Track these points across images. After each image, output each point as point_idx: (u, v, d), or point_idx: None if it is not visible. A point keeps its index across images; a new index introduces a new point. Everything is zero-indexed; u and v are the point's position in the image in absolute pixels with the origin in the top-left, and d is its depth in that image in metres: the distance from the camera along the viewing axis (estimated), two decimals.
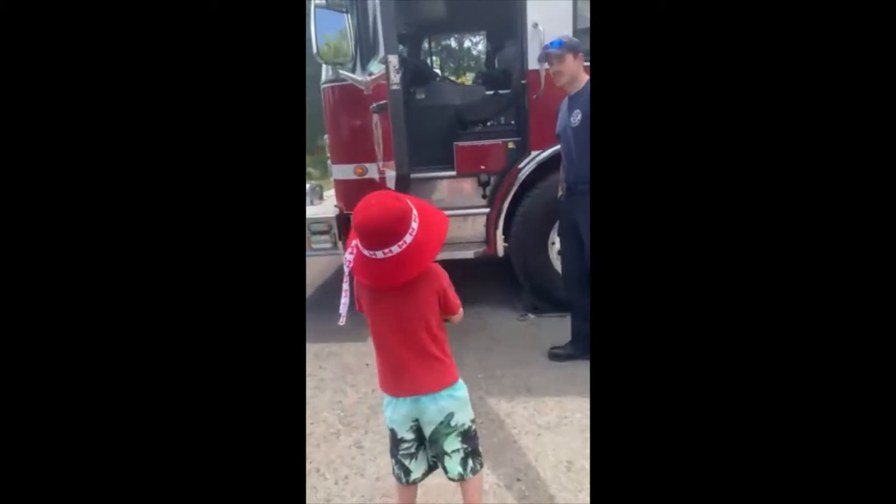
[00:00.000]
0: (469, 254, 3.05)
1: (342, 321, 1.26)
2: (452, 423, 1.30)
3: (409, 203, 1.19)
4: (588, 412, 2.09)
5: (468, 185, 3.11)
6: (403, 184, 2.49)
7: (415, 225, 1.16)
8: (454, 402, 1.29)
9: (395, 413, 1.31)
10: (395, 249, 1.14)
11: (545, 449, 1.90)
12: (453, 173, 3.08)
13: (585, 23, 2.83)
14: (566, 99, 2.41)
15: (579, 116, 2.28)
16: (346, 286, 1.26)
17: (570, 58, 2.27)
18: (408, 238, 1.15)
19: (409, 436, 1.33)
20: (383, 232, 1.13)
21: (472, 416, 1.35)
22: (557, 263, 3.02)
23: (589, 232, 2.34)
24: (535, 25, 2.78)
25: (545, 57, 2.32)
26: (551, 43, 2.29)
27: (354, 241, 1.21)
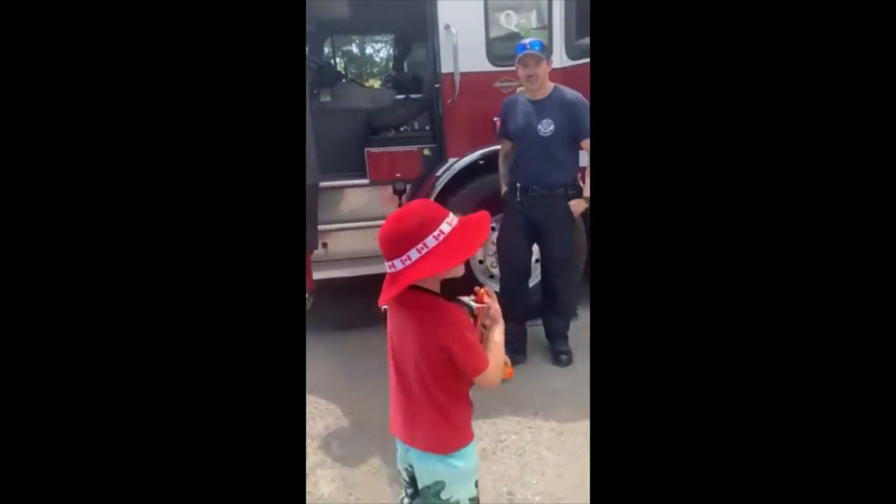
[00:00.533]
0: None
1: None
2: (443, 497, 1.07)
3: (447, 220, 1.02)
4: (522, 433, 1.99)
5: (382, 194, 2.91)
6: (312, 193, 2.23)
7: (430, 242, 0.99)
8: (448, 472, 1.06)
9: (398, 449, 1.15)
10: (399, 265, 1.02)
11: (482, 479, 1.75)
12: (366, 181, 2.87)
13: (498, 28, 2.78)
14: (522, 100, 2.35)
15: (552, 127, 2.25)
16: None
17: (545, 63, 2.24)
18: (413, 254, 1.00)
19: (406, 478, 1.16)
20: (387, 241, 1.03)
21: (472, 494, 1.11)
22: (479, 273, 2.92)
23: (552, 230, 2.35)
24: (448, 27, 2.66)
25: (522, 59, 2.22)
26: (530, 44, 2.20)
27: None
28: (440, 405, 1.04)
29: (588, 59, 2.51)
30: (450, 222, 1.02)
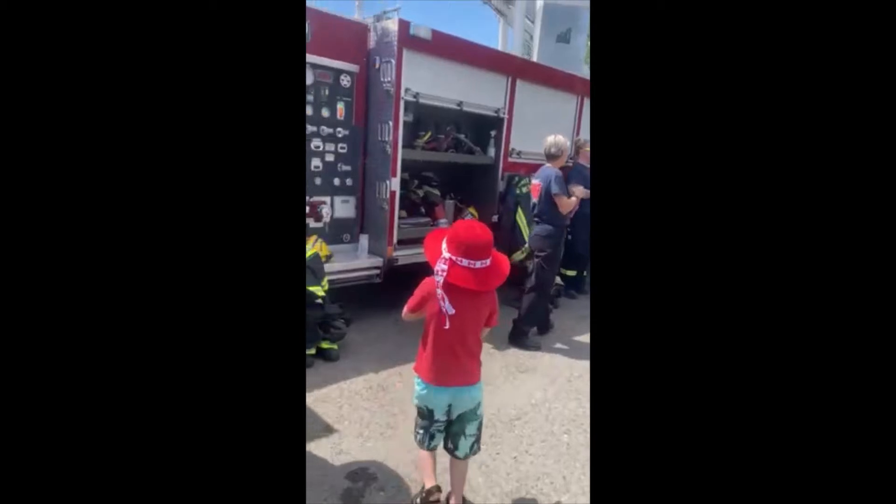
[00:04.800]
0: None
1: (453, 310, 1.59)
2: (479, 412, 1.74)
3: None
4: None
5: None
6: None
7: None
8: (481, 394, 1.73)
9: (437, 399, 1.67)
10: (488, 262, 1.56)
11: None
12: None
13: None
14: None
15: None
16: (440, 292, 1.56)
17: None
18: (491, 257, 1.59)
19: (443, 417, 1.71)
20: (487, 246, 1.56)
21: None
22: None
23: None
24: None
25: None
26: None
27: (448, 256, 1.56)
28: (477, 352, 1.69)
29: None
30: None
